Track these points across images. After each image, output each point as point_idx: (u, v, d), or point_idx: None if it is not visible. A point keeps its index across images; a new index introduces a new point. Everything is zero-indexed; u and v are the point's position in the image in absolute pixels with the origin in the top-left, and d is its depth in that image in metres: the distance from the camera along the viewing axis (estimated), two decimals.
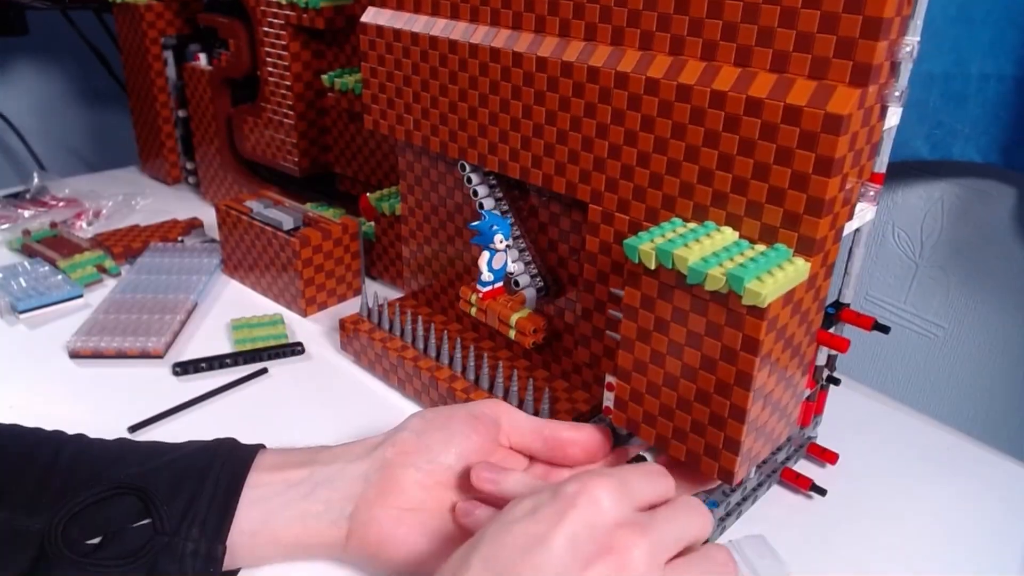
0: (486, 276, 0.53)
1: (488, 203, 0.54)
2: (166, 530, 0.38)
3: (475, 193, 0.54)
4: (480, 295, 0.55)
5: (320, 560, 0.43)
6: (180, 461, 0.41)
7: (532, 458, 0.45)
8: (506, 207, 0.55)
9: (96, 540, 0.38)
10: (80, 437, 0.44)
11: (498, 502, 0.38)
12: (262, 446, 0.44)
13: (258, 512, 0.40)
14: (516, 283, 0.55)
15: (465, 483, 0.41)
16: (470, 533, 0.35)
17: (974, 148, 0.66)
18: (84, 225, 0.90)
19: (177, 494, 0.39)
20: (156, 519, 0.38)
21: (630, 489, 0.34)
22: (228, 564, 0.40)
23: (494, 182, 0.55)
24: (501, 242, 0.52)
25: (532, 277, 0.55)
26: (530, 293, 0.55)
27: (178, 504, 0.39)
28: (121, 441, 0.44)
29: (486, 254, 0.53)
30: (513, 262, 0.54)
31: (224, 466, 0.41)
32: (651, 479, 0.36)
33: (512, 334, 0.54)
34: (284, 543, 0.41)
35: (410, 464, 0.41)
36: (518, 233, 0.55)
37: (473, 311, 0.56)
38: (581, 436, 0.44)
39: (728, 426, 0.39)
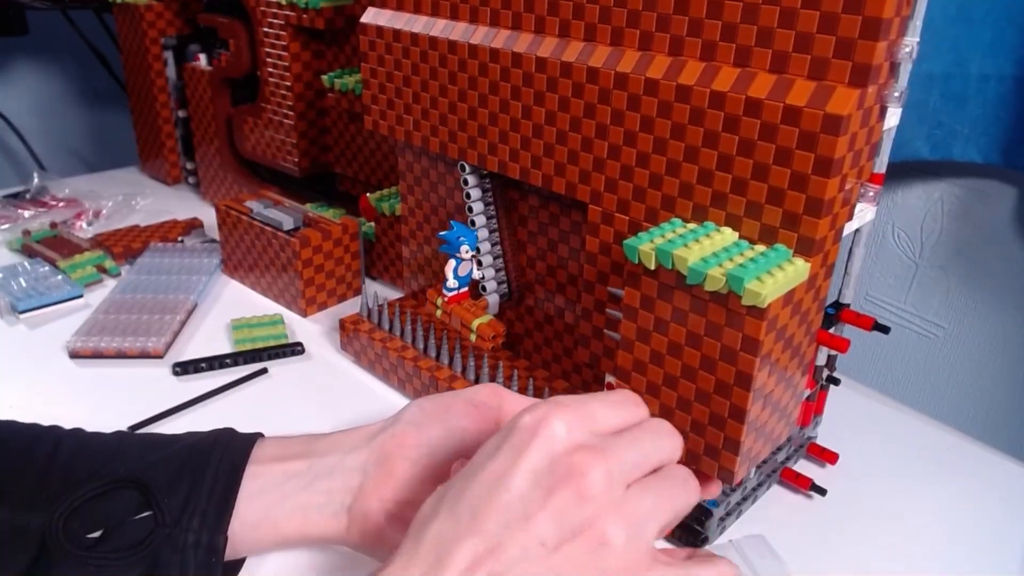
0: (451, 283, 0.56)
1: (477, 207, 0.55)
2: (167, 522, 0.38)
3: (468, 196, 0.54)
4: (445, 299, 0.57)
5: (323, 551, 0.43)
6: (179, 453, 0.41)
7: None
8: (493, 213, 0.55)
9: (97, 534, 0.38)
10: (78, 432, 0.44)
11: None
12: (260, 435, 0.44)
13: (259, 504, 0.40)
14: (483, 288, 0.56)
15: None
16: None
17: (974, 148, 0.66)
18: (84, 225, 0.90)
19: (177, 486, 0.39)
20: (157, 512, 0.39)
21: (589, 415, 0.34)
22: (230, 554, 0.40)
23: (489, 186, 0.55)
24: (467, 252, 0.54)
25: (499, 284, 0.57)
26: (493, 299, 0.57)
27: (178, 496, 0.39)
28: (119, 434, 0.44)
29: (452, 262, 0.55)
30: (481, 268, 0.56)
31: (223, 457, 0.41)
32: (615, 406, 0.36)
33: (473, 338, 0.56)
34: (285, 534, 0.41)
35: (407, 458, 0.41)
36: (496, 240, 0.56)
37: (439, 313, 0.58)
38: None
39: (728, 426, 0.39)
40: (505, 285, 0.57)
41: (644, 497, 0.33)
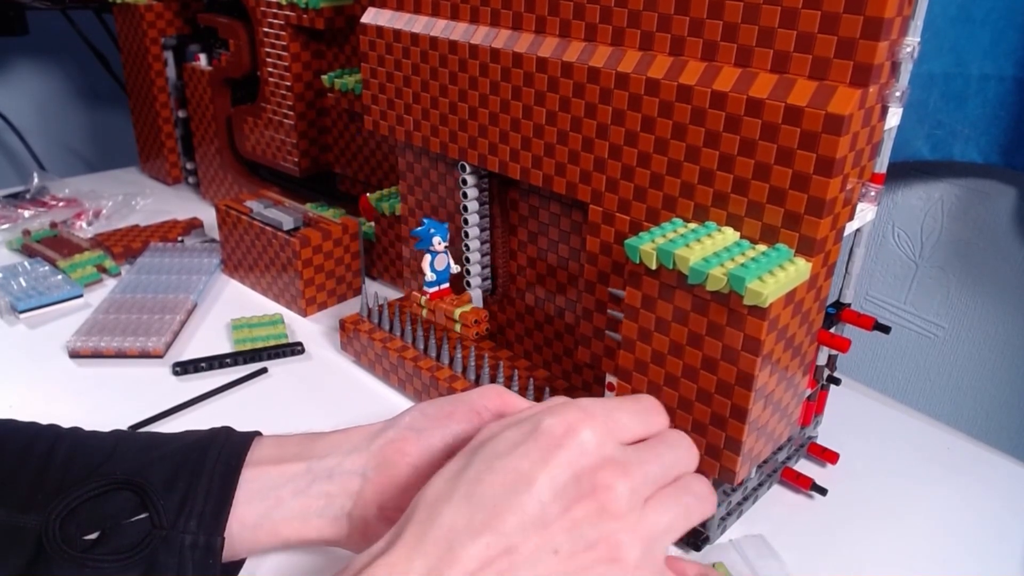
0: (429, 276, 0.57)
1: (472, 206, 0.55)
2: (163, 524, 0.38)
3: (464, 195, 0.54)
4: (428, 296, 0.58)
5: (323, 552, 0.43)
6: (176, 453, 0.41)
7: None
8: (487, 212, 0.56)
9: (94, 536, 0.38)
10: (75, 431, 0.43)
11: None
12: (258, 433, 0.44)
13: (257, 506, 0.40)
14: (468, 284, 0.57)
15: None
16: None
17: (974, 148, 0.66)
18: (84, 225, 0.90)
19: (173, 487, 0.39)
20: (153, 513, 0.38)
21: (616, 424, 0.34)
22: (229, 555, 0.39)
23: (486, 185, 0.55)
24: (440, 244, 0.55)
25: (483, 280, 0.57)
26: (476, 293, 0.58)
27: (174, 497, 0.39)
28: (116, 433, 0.44)
29: (428, 256, 0.56)
30: (468, 264, 0.56)
31: (220, 457, 0.41)
32: (639, 415, 0.36)
33: (458, 328, 0.57)
34: (285, 537, 0.41)
35: (408, 464, 0.41)
36: (487, 239, 0.56)
37: (424, 313, 0.59)
38: None
39: (729, 426, 0.39)
40: (489, 281, 0.58)
41: (663, 514, 0.33)
